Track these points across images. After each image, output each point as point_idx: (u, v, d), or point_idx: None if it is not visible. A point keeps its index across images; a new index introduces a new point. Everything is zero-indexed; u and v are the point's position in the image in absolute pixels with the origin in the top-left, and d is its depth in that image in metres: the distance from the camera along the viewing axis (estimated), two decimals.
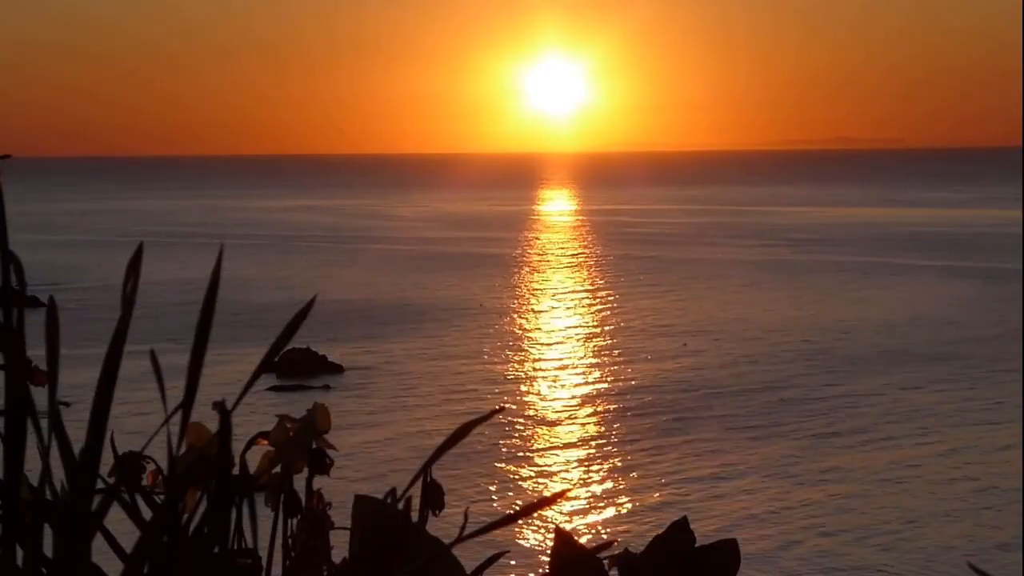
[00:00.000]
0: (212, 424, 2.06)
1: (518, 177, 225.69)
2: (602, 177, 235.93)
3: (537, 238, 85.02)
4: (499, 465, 25.00)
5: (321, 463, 2.38)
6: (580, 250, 76.33)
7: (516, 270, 62.57)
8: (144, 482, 2.21)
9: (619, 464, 25.68)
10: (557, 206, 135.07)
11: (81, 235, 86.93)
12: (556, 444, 27.26)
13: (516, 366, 35.83)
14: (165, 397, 1.95)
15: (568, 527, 18.81)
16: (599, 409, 30.56)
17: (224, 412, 1.86)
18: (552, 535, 2.55)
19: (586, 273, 62.52)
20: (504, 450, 26.13)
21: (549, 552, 2.50)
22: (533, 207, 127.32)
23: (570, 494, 22.86)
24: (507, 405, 29.58)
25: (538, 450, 26.63)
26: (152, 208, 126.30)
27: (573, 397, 31.87)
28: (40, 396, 1.92)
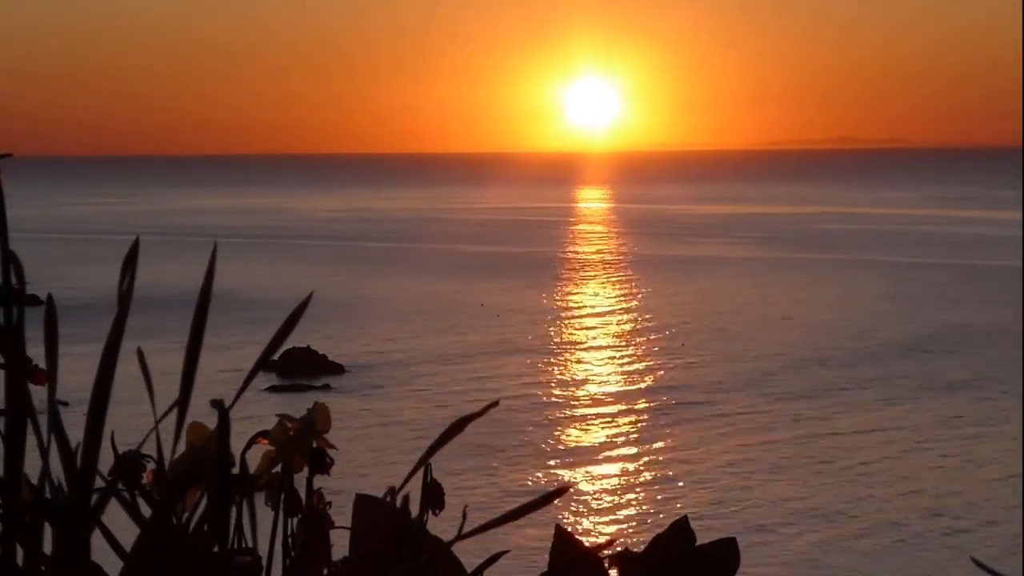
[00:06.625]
0: (211, 422, 2.06)
1: (545, 178, 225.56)
2: (621, 175, 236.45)
3: (541, 237, 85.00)
4: (498, 463, 25.00)
5: (321, 462, 2.38)
6: (582, 249, 76.32)
7: (516, 270, 62.54)
8: (144, 480, 2.20)
9: (619, 462, 25.69)
10: (573, 204, 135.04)
11: (95, 232, 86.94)
12: (555, 442, 27.27)
13: (515, 364, 35.83)
14: (153, 396, 1.95)
15: (568, 526, 18.85)
16: (598, 407, 30.57)
17: (222, 410, 1.85)
18: (552, 533, 2.55)
19: (586, 273, 62.52)
20: (503, 448, 26.12)
21: (549, 551, 2.50)
22: (543, 206, 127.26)
23: (570, 492, 22.84)
24: (503, 401, 29.58)
25: (537, 448, 26.63)
26: (188, 205, 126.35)
27: (572, 395, 31.87)
28: (39, 394, 1.91)
